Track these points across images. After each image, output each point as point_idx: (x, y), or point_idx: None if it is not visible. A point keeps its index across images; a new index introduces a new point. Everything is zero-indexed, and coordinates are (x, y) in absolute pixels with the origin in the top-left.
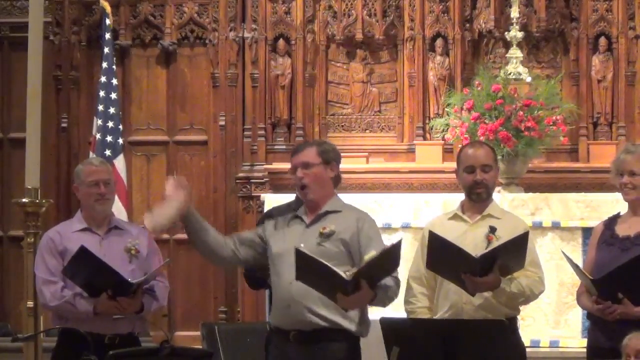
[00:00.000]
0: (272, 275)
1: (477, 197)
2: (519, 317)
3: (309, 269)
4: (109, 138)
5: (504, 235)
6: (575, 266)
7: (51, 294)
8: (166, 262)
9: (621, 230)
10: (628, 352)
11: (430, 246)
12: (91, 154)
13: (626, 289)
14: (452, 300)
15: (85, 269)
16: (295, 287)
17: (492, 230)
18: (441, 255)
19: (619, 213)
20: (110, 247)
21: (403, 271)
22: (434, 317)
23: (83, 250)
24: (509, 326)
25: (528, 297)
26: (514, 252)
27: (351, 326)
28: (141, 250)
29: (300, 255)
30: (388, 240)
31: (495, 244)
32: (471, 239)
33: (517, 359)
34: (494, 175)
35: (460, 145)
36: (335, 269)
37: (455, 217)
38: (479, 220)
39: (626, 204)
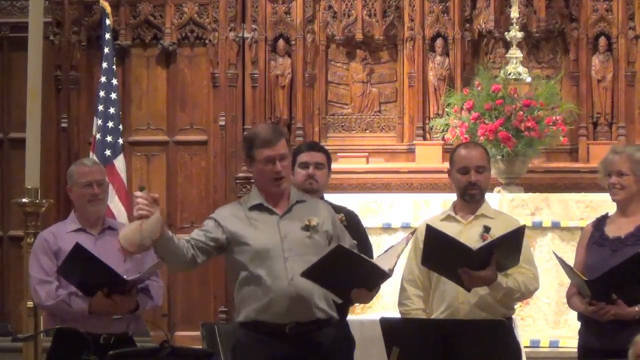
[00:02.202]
0: (253, 270)
1: (471, 198)
2: (516, 317)
3: (335, 267)
4: (109, 138)
5: (499, 234)
6: (568, 267)
7: (46, 293)
8: (161, 260)
9: (611, 231)
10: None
11: (427, 240)
12: (91, 154)
13: (620, 289)
14: (449, 301)
15: (80, 267)
16: (298, 283)
17: (487, 229)
18: (438, 250)
19: (607, 214)
20: (105, 247)
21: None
22: (432, 317)
23: (78, 247)
24: (508, 326)
25: (523, 293)
26: (509, 246)
27: (335, 313)
28: None
29: (339, 252)
30: (388, 240)
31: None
32: (466, 239)
33: (514, 358)
34: (487, 176)
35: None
36: (377, 264)
37: (448, 218)
38: (473, 220)
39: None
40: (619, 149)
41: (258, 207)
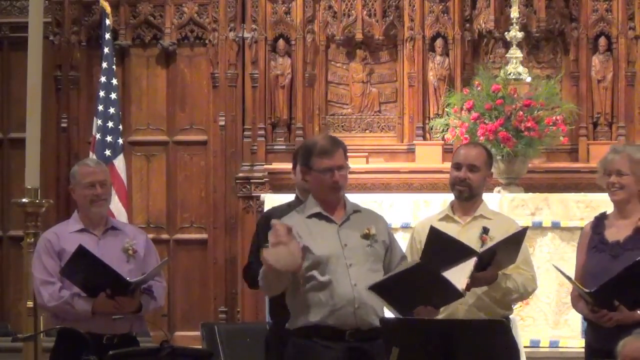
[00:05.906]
0: (316, 276)
1: (458, 195)
2: (516, 317)
3: (408, 283)
4: (108, 138)
5: (497, 235)
6: (569, 279)
7: (49, 294)
8: (164, 261)
9: (610, 234)
10: (622, 358)
11: (430, 241)
12: (91, 154)
13: (622, 295)
14: None
15: (84, 269)
16: (361, 289)
17: (486, 231)
18: (440, 251)
19: (605, 213)
20: (108, 248)
21: None
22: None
23: (81, 250)
24: (506, 326)
25: (522, 294)
26: (510, 247)
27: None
28: (138, 250)
29: (420, 270)
30: None
31: (490, 244)
32: (464, 239)
33: (512, 358)
34: (480, 177)
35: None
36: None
37: (446, 217)
38: (471, 221)
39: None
40: (618, 148)
41: (317, 216)
